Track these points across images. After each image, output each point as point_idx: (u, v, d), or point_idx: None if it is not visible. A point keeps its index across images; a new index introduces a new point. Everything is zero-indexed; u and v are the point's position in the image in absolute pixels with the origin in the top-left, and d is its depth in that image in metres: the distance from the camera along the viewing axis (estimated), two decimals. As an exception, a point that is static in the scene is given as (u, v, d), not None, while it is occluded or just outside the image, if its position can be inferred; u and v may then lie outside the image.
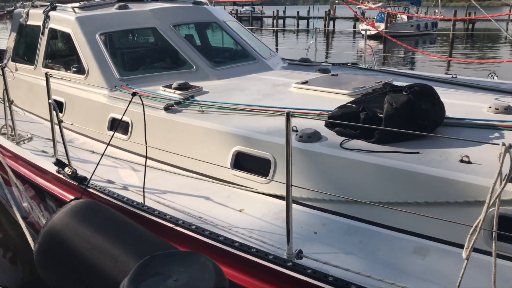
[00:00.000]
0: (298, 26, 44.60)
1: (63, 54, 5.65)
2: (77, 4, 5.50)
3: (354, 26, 41.98)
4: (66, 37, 5.44)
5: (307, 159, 2.94)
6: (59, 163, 3.31)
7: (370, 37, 35.02)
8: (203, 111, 3.83)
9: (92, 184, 3.23)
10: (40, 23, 5.76)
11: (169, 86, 4.43)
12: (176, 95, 4.29)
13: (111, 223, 2.45)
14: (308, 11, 48.33)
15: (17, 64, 6.16)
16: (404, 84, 3.30)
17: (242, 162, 3.28)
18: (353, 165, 2.75)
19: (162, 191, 3.27)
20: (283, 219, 2.79)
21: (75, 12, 5.33)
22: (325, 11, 44.59)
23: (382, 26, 32.84)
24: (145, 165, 3.06)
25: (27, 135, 4.69)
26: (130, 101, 3.08)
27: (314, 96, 4.11)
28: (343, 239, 2.52)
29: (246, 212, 2.90)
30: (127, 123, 4.11)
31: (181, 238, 2.63)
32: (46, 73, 3.58)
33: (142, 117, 4.02)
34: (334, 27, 40.86)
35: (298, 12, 45.58)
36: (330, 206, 2.78)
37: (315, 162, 2.90)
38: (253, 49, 5.74)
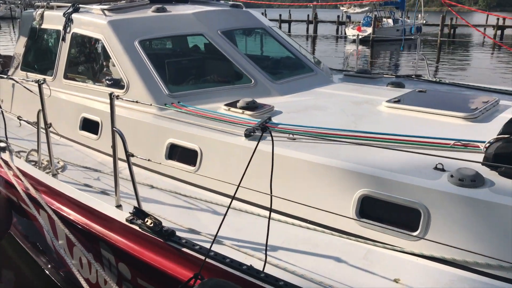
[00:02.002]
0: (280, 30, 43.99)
1: (90, 64, 4.83)
2: (106, 6, 4.69)
3: (337, 31, 41.91)
4: (96, 44, 4.64)
5: (476, 211, 2.28)
6: (138, 213, 2.54)
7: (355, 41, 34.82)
8: (294, 139, 3.13)
9: (183, 241, 2.48)
10: (59, 27, 4.93)
11: (233, 105, 3.72)
12: (246, 116, 3.58)
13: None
14: (290, 14, 47.95)
15: (29, 74, 5.30)
16: None
17: (371, 210, 2.60)
18: None
19: (271, 247, 2.55)
20: None
21: (105, 15, 4.53)
22: (308, 15, 44.32)
23: (368, 30, 32.63)
24: (269, 219, 2.32)
25: (58, 162, 3.88)
26: (260, 138, 2.35)
27: (416, 118, 3.46)
28: None
29: (404, 283, 2.21)
30: (195, 152, 3.37)
31: None
32: (110, 94, 2.81)
33: (216, 145, 3.30)
34: (316, 32, 40.48)
35: (280, 15, 45.01)
36: None
37: (490, 216, 2.24)
38: (307, 58, 5.06)
